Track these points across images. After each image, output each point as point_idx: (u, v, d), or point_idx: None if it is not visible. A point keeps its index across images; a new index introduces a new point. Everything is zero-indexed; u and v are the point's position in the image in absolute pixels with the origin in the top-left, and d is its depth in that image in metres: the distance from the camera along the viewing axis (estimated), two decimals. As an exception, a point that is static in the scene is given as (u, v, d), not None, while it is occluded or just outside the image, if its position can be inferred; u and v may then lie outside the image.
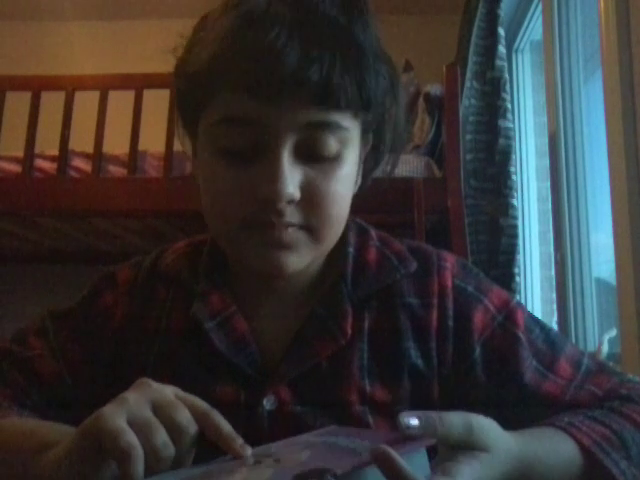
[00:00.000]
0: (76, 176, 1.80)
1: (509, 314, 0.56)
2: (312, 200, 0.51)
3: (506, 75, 1.73)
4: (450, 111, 1.59)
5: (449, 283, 0.56)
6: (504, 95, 1.70)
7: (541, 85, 1.88)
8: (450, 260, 0.58)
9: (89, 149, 1.78)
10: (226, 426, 0.41)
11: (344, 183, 0.53)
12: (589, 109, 1.52)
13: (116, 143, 1.80)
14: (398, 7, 2.63)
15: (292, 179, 0.50)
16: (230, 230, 0.52)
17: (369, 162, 0.58)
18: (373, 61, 0.52)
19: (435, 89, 1.73)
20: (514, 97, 1.96)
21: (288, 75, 0.48)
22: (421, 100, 1.81)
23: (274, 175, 0.49)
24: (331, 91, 0.49)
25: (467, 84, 1.75)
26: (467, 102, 1.73)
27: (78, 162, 1.82)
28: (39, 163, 1.81)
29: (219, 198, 0.52)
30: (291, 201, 0.50)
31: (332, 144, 0.51)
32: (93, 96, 1.77)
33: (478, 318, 0.55)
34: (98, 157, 1.74)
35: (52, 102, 1.79)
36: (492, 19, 1.76)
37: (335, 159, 0.52)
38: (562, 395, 0.54)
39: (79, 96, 1.79)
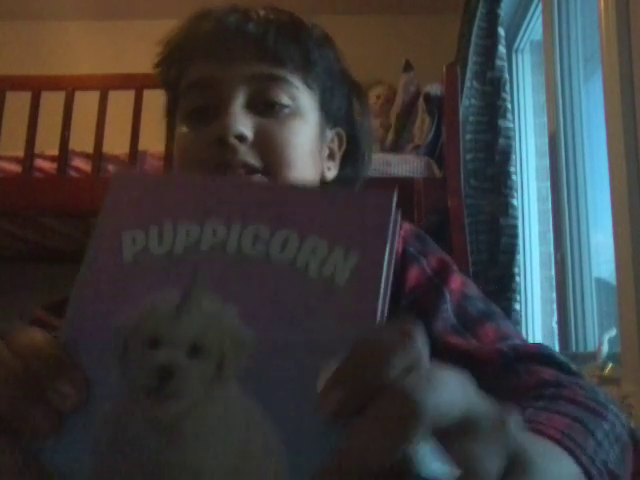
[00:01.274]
0: (76, 176, 1.80)
1: (445, 277, 0.56)
2: (266, 143, 0.55)
3: (506, 75, 1.73)
4: (450, 111, 1.59)
5: (400, 249, 0.57)
6: (504, 95, 1.70)
7: (541, 85, 1.88)
8: (404, 228, 0.60)
9: (89, 149, 1.78)
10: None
11: (299, 136, 0.57)
12: (589, 109, 1.52)
13: (116, 143, 1.80)
14: (398, 7, 2.63)
15: (242, 120, 0.55)
16: None
17: (347, 155, 0.64)
18: (317, 41, 0.60)
19: (435, 89, 1.73)
20: (514, 97, 1.96)
21: (230, 33, 0.56)
22: (421, 100, 1.81)
23: (224, 116, 0.54)
24: (269, 45, 0.56)
25: (467, 84, 1.74)
26: (467, 102, 1.73)
27: (78, 162, 1.82)
28: (39, 163, 1.81)
29: (183, 155, 0.57)
30: (242, 139, 0.54)
31: (282, 96, 0.57)
32: (93, 96, 1.77)
33: (412, 274, 0.56)
34: (98, 157, 1.74)
35: (52, 102, 1.79)
36: (492, 19, 1.76)
37: (288, 113, 0.57)
38: (469, 351, 0.51)
39: (79, 96, 1.79)
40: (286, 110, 0.56)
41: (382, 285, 0.27)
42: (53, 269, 2.57)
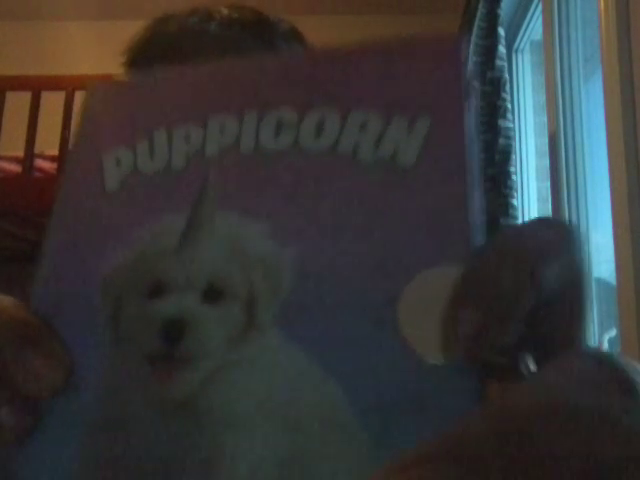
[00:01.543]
0: (76, 176, 1.79)
1: None
2: None
3: (506, 75, 1.73)
4: (450, 111, 1.58)
5: None
6: (504, 95, 1.70)
7: (541, 85, 1.88)
8: None
9: (89, 149, 1.77)
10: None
11: None
12: (589, 109, 1.51)
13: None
14: (398, 7, 2.63)
15: None
16: None
17: None
18: (284, 37, 0.58)
19: (435, 89, 1.73)
20: (514, 97, 1.95)
21: (192, 35, 0.55)
22: (421, 100, 1.81)
23: None
24: (233, 44, 0.55)
25: (467, 84, 1.74)
26: (467, 102, 1.73)
27: (78, 162, 1.82)
28: (39, 163, 1.81)
29: None
30: None
31: None
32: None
33: None
34: (98, 157, 1.74)
35: (52, 102, 1.79)
36: (492, 19, 1.76)
37: None
38: None
39: (79, 96, 1.79)
40: None
41: (468, 155, 0.19)
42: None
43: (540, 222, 0.21)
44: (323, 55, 0.23)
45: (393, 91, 0.20)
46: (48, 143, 1.81)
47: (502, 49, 1.74)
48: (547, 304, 0.18)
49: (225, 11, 0.59)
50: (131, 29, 0.61)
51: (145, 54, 0.59)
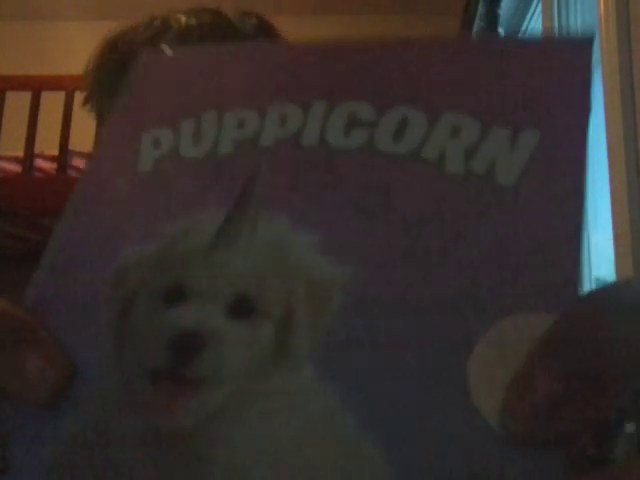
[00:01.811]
0: (76, 176, 1.79)
1: None
2: None
3: (506, 75, 1.73)
4: (450, 111, 1.58)
5: None
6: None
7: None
8: None
9: (89, 149, 1.77)
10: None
11: None
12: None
13: (116, 143, 1.80)
14: (398, 7, 2.63)
15: None
16: None
17: None
18: (249, 37, 0.55)
19: (435, 89, 1.73)
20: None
21: (146, 46, 0.52)
22: (421, 100, 1.81)
23: None
24: None
25: (467, 84, 1.75)
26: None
27: (78, 162, 1.82)
28: (39, 163, 1.81)
29: None
30: None
31: None
32: (93, 96, 1.77)
33: None
34: (98, 157, 1.74)
35: (52, 102, 1.79)
36: (492, 19, 1.76)
37: None
38: None
39: (79, 96, 1.79)
40: None
41: (584, 181, 0.16)
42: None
43: None
44: (408, 45, 0.19)
45: (495, 96, 0.17)
46: (48, 143, 1.81)
47: (502, 49, 1.74)
48: None
49: (183, 18, 0.56)
50: (131, 29, 0.61)
51: (100, 85, 0.57)
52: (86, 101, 0.59)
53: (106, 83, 0.55)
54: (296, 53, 0.20)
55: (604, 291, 0.14)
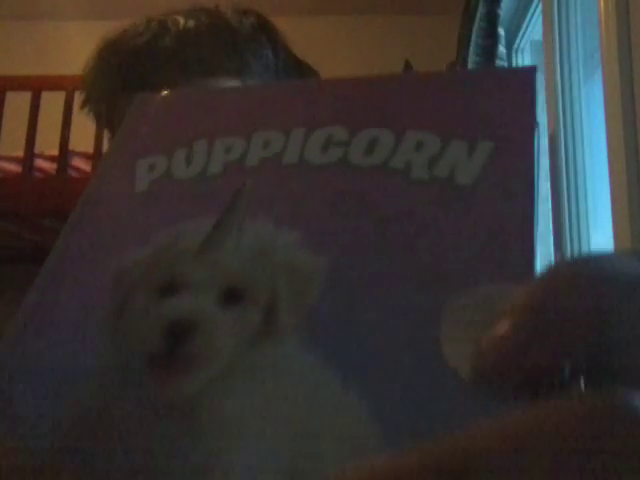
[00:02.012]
0: (76, 176, 1.80)
1: None
2: None
3: (506, 75, 1.73)
4: (450, 111, 1.58)
5: None
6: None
7: (541, 85, 1.88)
8: None
9: (89, 149, 1.78)
10: None
11: None
12: (589, 109, 1.51)
13: (116, 143, 1.80)
14: (398, 7, 2.63)
15: None
16: None
17: None
18: (247, 37, 0.54)
19: (435, 89, 1.73)
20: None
21: (145, 55, 0.51)
22: (421, 100, 1.81)
23: None
24: (192, 57, 0.51)
25: (467, 84, 1.74)
26: (467, 102, 1.73)
27: (78, 162, 1.82)
28: (39, 163, 1.81)
29: None
30: None
31: None
32: (93, 96, 1.77)
33: None
34: (98, 157, 1.74)
35: (52, 102, 1.79)
36: (492, 19, 1.76)
37: None
38: None
39: (79, 96, 1.79)
40: None
41: (535, 178, 0.18)
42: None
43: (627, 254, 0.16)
44: (377, 80, 0.22)
45: (454, 116, 0.19)
46: (48, 143, 1.81)
47: (502, 49, 1.74)
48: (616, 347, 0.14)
49: (181, 20, 0.55)
50: (131, 29, 0.61)
51: (101, 88, 0.56)
52: (84, 104, 0.59)
53: (104, 86, 0.54)
54: (276, 90, 0.23)
55: (561, 267, 0.15)
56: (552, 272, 0.14)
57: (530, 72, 0.20)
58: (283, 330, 0.16)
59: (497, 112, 0.20)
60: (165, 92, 0.25)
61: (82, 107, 0.59)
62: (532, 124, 0.19)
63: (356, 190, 0.19)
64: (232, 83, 0.52)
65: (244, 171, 0.20)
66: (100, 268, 0.19)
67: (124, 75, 0.53)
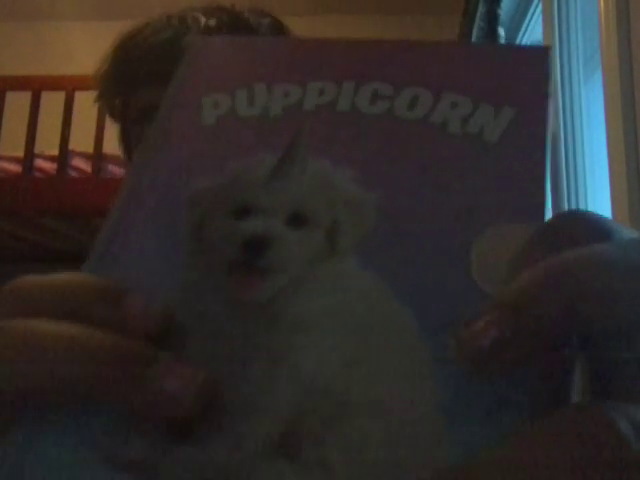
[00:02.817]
0: (76, 176, 1.80)
1: None
2: None
3: (506, 75, 1.73)
4: (450, 111, 1.58)
5: None
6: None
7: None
8: None
9: (89, 149, 1.78)
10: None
11: None
12: (589, 109, 1.51)
13: (116, 143, 1.80)
14: (398, 7, 2.63)
15: None
16: None
17: None
18: (266, 34, 0.54)
19: (435, 89, 1.73)
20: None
21: (167, 51, 0.50)
22: (421, 100, 1.81)
23: None
24: None
25: (467, 84, 1.75)
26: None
27: (78, 162, 1.82)
28: (39, 163, 1.81)
29: None
30: None
31: None
32: (93, 96, 1.77)
33: None
34: (98, 157, 1.74)
35: (52, 102, 1.79)
36: (492, 19, 1.76)
37: None
38: None
39: (79, 96, 1.79)
40: None
41: (547, 140, 0.21)
42: (53, 269, 2.57)
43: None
44: (419, 44, 0.25)
45: (483, 84, 0.23)
46: (48, 143, 1.81)
47: (502, 49, 1.74)
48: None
49: (202, 18, 0.55)
50: (131, 29, 0.60)
51: (119, 81, 0.55)
52: (98, 98, 0.59)
53: (121, 80, 0.54)
54: (329, 45, 0.25)
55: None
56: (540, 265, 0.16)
57: (544, 51, 0.25)
58: (343, 251, 0.19)
59: (518, 82, 0.23)
60: (221, 36, 0.27)
61: (96, 101, 0.59)
62: (546, 95, 0.22)
63: (400, 139, 0.22)
64: None
65: (302, 114, 0.23)
66: (173, 193, 0.21)
67: (144, 70, 0.53)
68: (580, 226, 0.17)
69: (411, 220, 0.20)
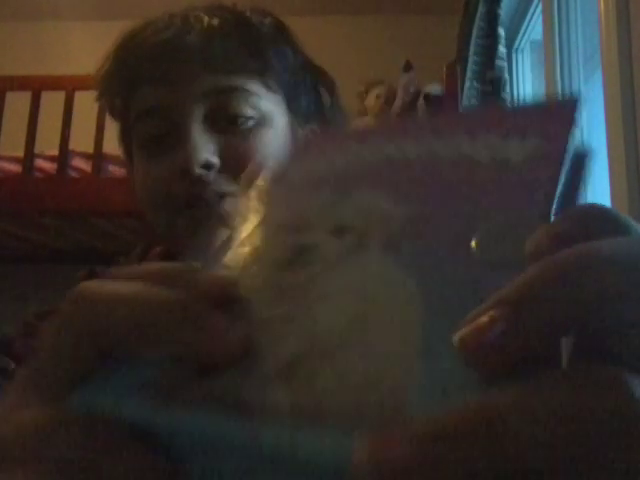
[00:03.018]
0: (76, 176, 1.80)
1: None
2: (235, 163, 0.49)
3: (506, 75, 1.73)
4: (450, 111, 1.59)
5: None
6: (504, 95, 1.70)
7: (541, 85, 1.88)
8: None
9: (89, 149, 1.78)
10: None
11: (269, 146, 0.51)
12: (589, 109, 1.51)
13: (116, 143, 1.80)
14: (398, 7, 2.63)
15: (205, 145, 0.49)
16: (168, 220, 0.52)
17: None
18: (270, 38, 0.54)
19: (435, 89, 1.73)
20: (514, 97, 1.95)
21: (170, 49, 0.50)
22: (421, 100, 1.81)
23: (184, 145, 0.49)
24: (217, 55, 0.51)
25: (467, 84, 1.75)
26: (467, 102, 1.73)
27: (78, 162, 1.83)
28: (39, 163, 1.81)
29: (148, 190, 0.52)
30: (209, 167, 0.49)
31: (243, 107, 0.51)
32: (93, 96, 1.77)
33: None
34: (98, 157, 1.74)
35: (52, 102, 1.79)
36: (492, 19, 1.76)
37: (253, 124, 0.51)
38: None
39: (79, 96, 1.79)
40: (250, 122, 0.51)
41: (565, 161, 0.24)
42: (53, 269, 2.57)
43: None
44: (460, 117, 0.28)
45: (512, 126, 0.25)
46: (48, 143, 1.81)
47: (502, 49, 1.74)
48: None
49: (205, 18, 0.54)
50: (131, 29, 0.60)
51: (120, 80, 0.55)
52: (99, 97, 0.58)
53: (121, 78, 0.54)
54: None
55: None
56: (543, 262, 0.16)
57: (572, 104, 0.25)
58: (368, 246, 0.23)
59: (544, 123, 0.25)
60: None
61: (97, 100, 0.59)
62: (565, 148, 0.24)
63: (428, 165, 0.25)
64: (253, 83, 0.52)
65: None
66: None
67: (146, 69, 0.52)
68: (597, 220, 0.18)
69: (431, 221, 0.23)
